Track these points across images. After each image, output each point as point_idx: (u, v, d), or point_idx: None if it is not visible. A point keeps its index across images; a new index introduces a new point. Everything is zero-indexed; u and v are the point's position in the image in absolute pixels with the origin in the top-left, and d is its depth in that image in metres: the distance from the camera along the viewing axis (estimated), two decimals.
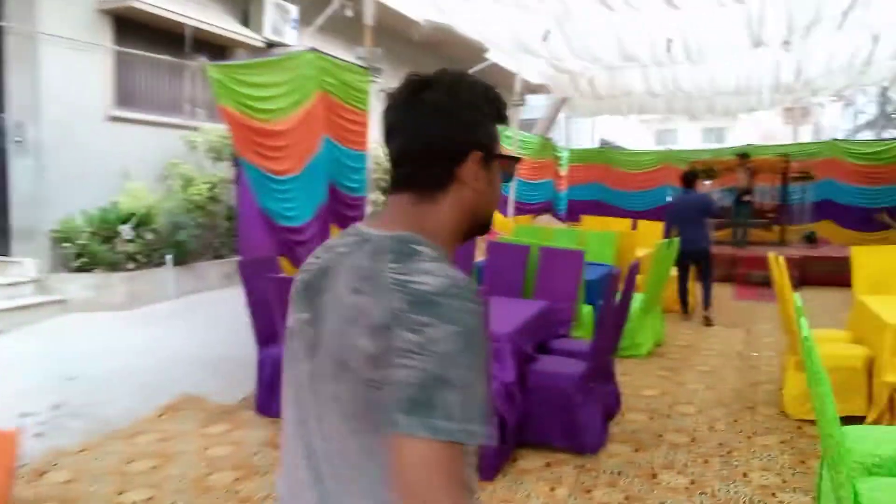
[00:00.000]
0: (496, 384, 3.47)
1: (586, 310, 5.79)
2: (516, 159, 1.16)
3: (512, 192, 9.13)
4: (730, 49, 6.54)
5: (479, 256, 6.22)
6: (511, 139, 10.50)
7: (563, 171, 15.21)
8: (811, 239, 12.30)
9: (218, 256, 7.95)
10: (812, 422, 4.24)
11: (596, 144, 20.44)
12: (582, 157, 15.42)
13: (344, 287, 0.96)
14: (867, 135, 19.76)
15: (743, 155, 12.10)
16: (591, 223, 10.85)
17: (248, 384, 4.60)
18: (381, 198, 11.88)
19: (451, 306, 0.88)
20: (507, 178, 1.11)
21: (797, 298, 2.83)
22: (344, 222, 6.19)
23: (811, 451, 3.83)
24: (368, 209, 11.50)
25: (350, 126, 6.21)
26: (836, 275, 9.92)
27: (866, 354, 4.22)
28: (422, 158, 1.03)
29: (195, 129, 7.94)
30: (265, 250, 5.36)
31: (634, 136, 28.38)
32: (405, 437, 0.83)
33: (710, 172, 12.44)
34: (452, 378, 0.84)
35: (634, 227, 10.51)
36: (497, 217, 12.73)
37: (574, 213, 14.38)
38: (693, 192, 7.55)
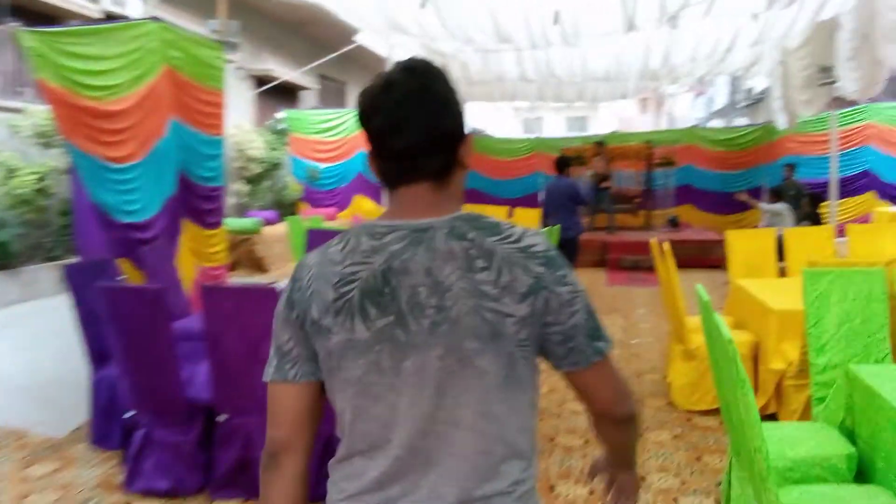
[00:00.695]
0: None
1: None
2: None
3: None
4: (604, 33, 6.45)
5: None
6: None
7: None
8: (674, 223, 12.77)
9: (51, 259, 6.93)
10: (701, 412, 4.17)
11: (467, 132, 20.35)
12: None
13: (451, 272, 1.03)
14: (718, 123, 21.03)
15: (599, 143, 12.39)
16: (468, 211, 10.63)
17: (81, 412, 3.88)
18: (245, 188, 11.04)
19: (558, 254, 1.09)
20: None
21: (702, 291, 2.61)
22: (199, 217, 5.50)
23: (704, 445, 3.71)
24: (231, 200, 10.66)
25: (203, 107, 5.51)
26: (699, 257, 10.35)
27: (752, 341, 4.17)
28: (439, 148, 1.09)
29: (18, 110, 6.85)
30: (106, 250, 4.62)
31: (504, 124, 28.76)
32: (599, 361, 1.10)
33: (580, 159, 12.61)
34: (590, 302, 1.11)
35: (511, 214, 10.43)
36: (369, 204, 12.27)
37: None
38: (564, 178, 7.41)
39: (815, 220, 7.98)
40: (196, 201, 5.47)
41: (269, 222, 10.00)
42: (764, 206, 9.02)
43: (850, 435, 2.60)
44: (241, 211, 10.83)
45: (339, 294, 1.06)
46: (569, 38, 6.61)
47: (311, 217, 8.46)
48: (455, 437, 1.05)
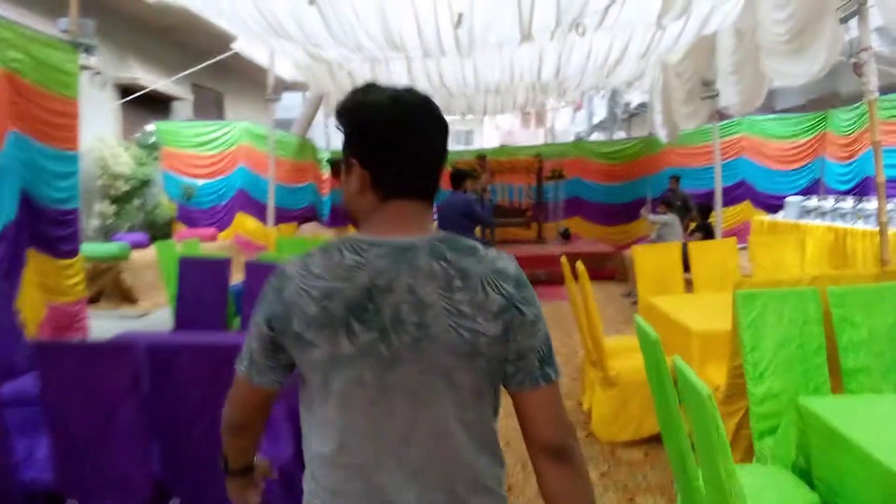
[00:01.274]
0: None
1: None
2: None
3: (271, 198, 8.02)
4: (500, 42, 6.21)
5: (237, 278, 5.10)
6: (267, 139, 9.36)
7: (325, 175, 14.36)
8: (566, 235, 12.83)
9: None
10: (624, 444, 3.91)
11: None
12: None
13: (433, 292, 1.08)
14: (599, 136, 21.67)
15: (481, 157, 12.34)
16: None
17: None
18: (111, 208, 9.98)
19: (526, 278, 1.16)
20: None
21: (646, 327, 2.30)
22: (49, 245, 4.72)
23: (634, 483, 3.43)
24: (95, 223, 9.59)
25: (52, 118, 4.76)
26: (593, 269, 10.23)
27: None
28: (435, 169, 1.17)
29: None
30: None
31: None
32: (544, 387, 1.14)
33: (472, 173, 12.43)
34: (548, 331, 1.17)
35: None
36: (257, 227, 11.48)
37: (339, 218, 13.62)
38: (458, 194, 7.03)
39: (708, 230, 8.09)
40: (44, 227, 4.68)
41: (138, 246, 9.03)
42: (652, 217, 9.11)
43: (806, 476, 2.37)
44: (108, 234, 9.77)
45: (322, 308, 1.08)
46: (464, 47, 6.32)
47: (186, 240, 7.64)
48: (437, 445, 1.10)
